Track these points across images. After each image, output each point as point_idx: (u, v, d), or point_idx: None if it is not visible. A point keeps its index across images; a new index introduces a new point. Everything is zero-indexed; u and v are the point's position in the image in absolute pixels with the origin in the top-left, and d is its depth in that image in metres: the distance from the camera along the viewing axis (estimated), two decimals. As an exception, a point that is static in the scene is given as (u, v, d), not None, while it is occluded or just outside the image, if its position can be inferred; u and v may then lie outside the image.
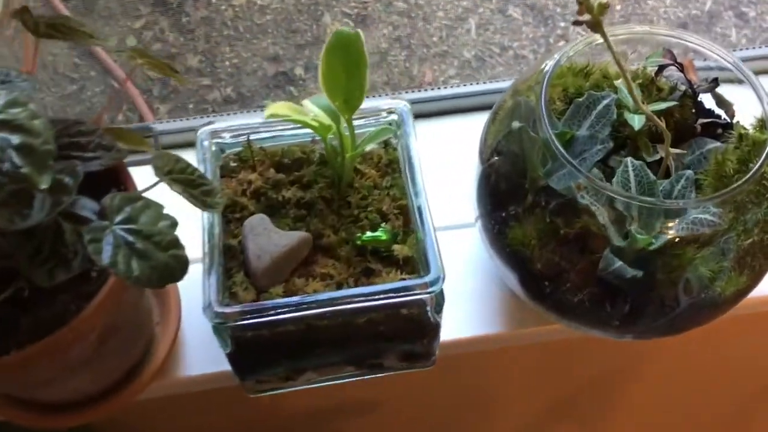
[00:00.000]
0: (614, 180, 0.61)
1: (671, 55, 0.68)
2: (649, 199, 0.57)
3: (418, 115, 0.86)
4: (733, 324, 0.70)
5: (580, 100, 0.67)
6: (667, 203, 0.57)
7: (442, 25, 1.44)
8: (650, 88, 0.70)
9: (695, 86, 0.67)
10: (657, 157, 0.66)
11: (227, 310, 0.57)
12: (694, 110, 0.69)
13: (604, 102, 0.66)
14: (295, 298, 0.58)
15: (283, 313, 0.57)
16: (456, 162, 0.77)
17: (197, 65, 1.34)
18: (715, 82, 0.67)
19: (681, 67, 0.67)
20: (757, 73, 0.92)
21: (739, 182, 0.56)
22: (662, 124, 0.62)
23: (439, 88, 0.87)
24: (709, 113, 0.71)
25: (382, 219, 0.64)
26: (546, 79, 0.61)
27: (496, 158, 0.67)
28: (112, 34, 1.41)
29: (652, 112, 0.67)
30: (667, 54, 0.68)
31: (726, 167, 0.64)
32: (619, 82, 0.68)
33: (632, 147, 0.68)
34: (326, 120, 0.60)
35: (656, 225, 0.58)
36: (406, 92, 0.86)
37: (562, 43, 1.34)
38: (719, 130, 0.70)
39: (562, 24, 1.44)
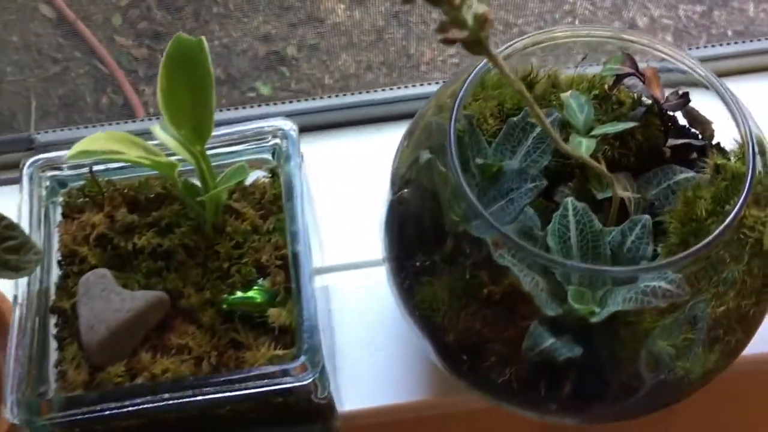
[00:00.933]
0: (549, 227, 0.48)
1: (632, 62, 0.54)
2: (578, 265, 0.44)
3: (341, 124, 0.73)
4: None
5: (515, 120, 0.53)
6: (604, 270, 0.43)
7: (443, 1, 1.32)
8: (608, 100, 0.56)
9: (661, 103, 0.53)
10: (610, 194, 0.53)
11: (37, 403, 0.44)
12: (662, 129, 0.56)
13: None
14: (127, 388, 0.45)
15: (113, 408, 0.44)
16: (381, 181, 0.64)
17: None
18: (686, 97, 0.53)
19: (643, 78, 0.53)
20: (749, 71, 0.79)
21: (705, 241, 0.42)
22: (601, 166, 0.48)
23: (368, 92, 0.73)
24: (682, 132, 0.57)
25: (260, 273, 0.50)
26: (458, 101, 0.47)
27: (406, 190, 0.53)
28: (97, 12, 1.30)
29: (606, 134, 0.53)
30: (627, 61, 0.54)
31: (697, 208, 0.50)
32: (567, 96, 0.55)
33: (581, 179, 0.54)
34: (181, 151, 0.46)
35: (599, 293, 0.45)
36: (322, 98, 0.72)
37: (569, 20, 1.19)
38: (694, 155, 0.56)
39: (571, -1, 1.30)
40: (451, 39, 0.30)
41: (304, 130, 0.70)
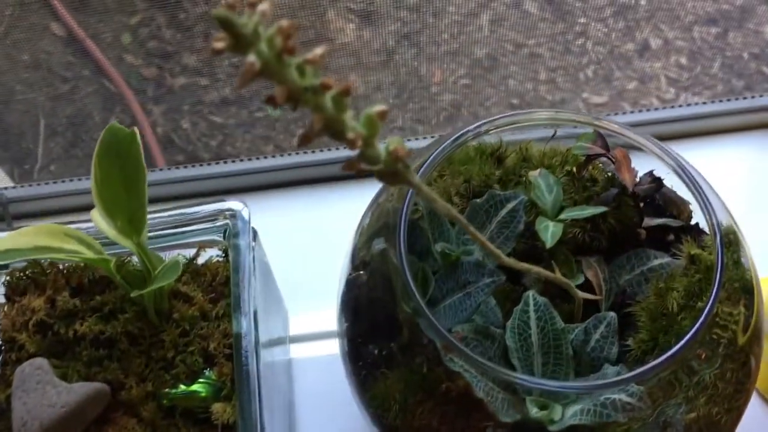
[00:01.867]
0: (509, 324, 0.45)
1: (603, 142, 0.51)
2: (528, 381, 0.40)
3: (304, 182, 0.71)
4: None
5: (479, 201, 0.50)
6: (557, 388, 0.40)
7: (453, 21, 1.30)
8: (581, 178, 0.54)
9: (631, 188, 0.50)
10: (582, 279, 0.50)
11: None
12: (637, 209, 0.53)
13: (509, 206, 0.50)
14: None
15: None
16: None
17: (194, 64, 1.23)
18: (659, 183, 0.50)
19: (613, 160, 0.50)
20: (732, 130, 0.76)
21: (667, 354, 0.39)
22: (555, 275, 0.45)
23: (336, 149, 0.71)
24: (658, 212, 0.54)
25: (207, 363, 0.48)
26: (407, 200, 0.44)
27: (362, 272, 0.51)
28: (107, 30, 1.29)
29: (575, 219, 0.50)
30: (598, 140, 0.51)
31: (668, 301, 0.47)
32: (535, 175, 0.52)
33: (548, 263, 0.51)
34: (120, 240, 0.44)
35: (559, 405, 0.42)
36: (282, 155, 0.70)
37: (581, 41, 1.16)
38: (671, 236, 0.53)
39: (582, 20, 1.27)
40: (363, 170, 0.27)
41: (269, 187, 0.68)
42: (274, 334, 0.54)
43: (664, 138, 0.77)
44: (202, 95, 1.22)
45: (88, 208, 0.44)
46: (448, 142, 0.47)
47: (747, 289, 0.45)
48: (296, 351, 0.62)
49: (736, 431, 0.46)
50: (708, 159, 0.74)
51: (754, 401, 0.58)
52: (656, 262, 0.50)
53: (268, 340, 0.51)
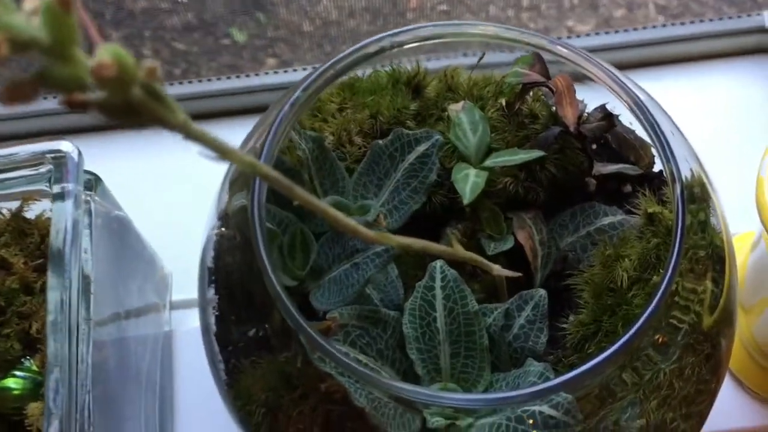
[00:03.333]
0: (408, 304, 0.35)
1: (542, 67, 0.39)
2: (397, 387, 0.29)
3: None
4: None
5: (382, 143, 0.39)
6: (443, 398, 0.30)
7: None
8: (517, 113, 0.42)
9: (572, 127, 0.38)
10: (511, 243, 0.39)
11: None
12: (585, 153, 0.42)
13: (420, 149, 0.39)
14: None
15: None
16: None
17: (156, -14, 1.12)
18: (609, 119, 0.39)
19: (553, 90, 0.39)
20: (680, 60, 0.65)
21: (599, 359, 0.29)
22: (466, 254, 0.35)
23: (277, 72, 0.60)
24: (615, 156, 0.43)
25: (29, 350, 0.37)
26: (271, 136, 0.33)
27: (224, 230, 0.39)
28: None
29: (505, 167, 0.39)
30: (536, 64, 0.40)
31: (617, 273, 0.37)
32: (457, 109, 0.41)
33: (472, 219, 0.41)
34: None
35: (467, 417, 0.32)
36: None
37: None
38: (628, 188, 0.43)
39: None
40: (79, 102, 0.16)
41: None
42: (135, 303, 0.44)
43: (637, 65, 0.65)
44: (164, 20, 1.12)
45: None
46: (327, 64, 0.35)
47: (716, 257, 0.35)
48: (180, 320, 0.51)
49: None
50: (684, 90, 0.63)
51: (727, 383, 0.49)
52: (607, 220, 0.40)
53: (119, 313, 0.41)
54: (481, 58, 0.42)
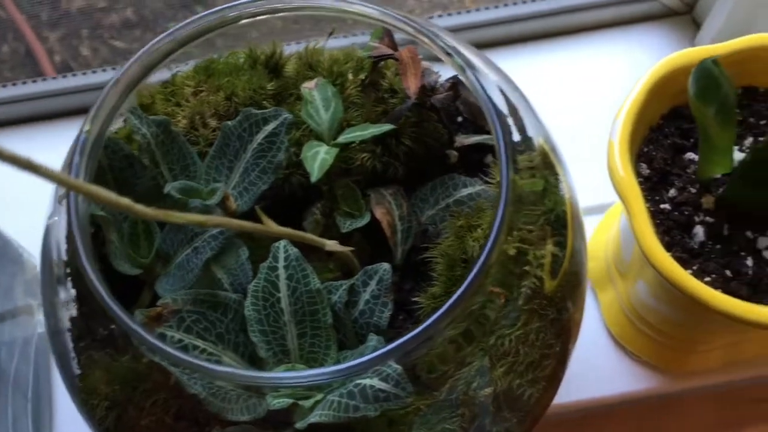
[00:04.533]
0: (251, 286, 0.34)
1: (390, 40, 0.39)
2: (212, 369, 0.29)
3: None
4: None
5: (231, 124, 0.38)
6: (258, 379, 0.29)
7: None
8: (375, 87, 0.42)
9: (413, 97, 0.38)
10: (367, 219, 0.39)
11: None
12: (444, 125, 0.42)
13: (268, 128, 0.38)
14: None
15: None
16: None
17: (92, -18, 1.10)
18: (455, 88, 0.39)
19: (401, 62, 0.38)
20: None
21: (422, 327, 0.28)
22: (295, 232, 0.34)
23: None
24: (481, 127, 0.43)
25: None
26: (88, 136, 0.32)
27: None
28: None
29: (362, 142, 0.39)
30: (385, 36, 0.39)
31: (467, 243, 0.37)
32: (310, 87, 0.40)
33: (330, 198, 0.40)
34: None
35: (318, 394, 0.31)
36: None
37: None
38: (489, 158, 0.42)
39: None
40: None
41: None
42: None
43: (531, 37, 0.65)
44: (102, 18, 1.09)
45: None
46: (156, 40, 0.34)
47: (558, 223, 0.35)
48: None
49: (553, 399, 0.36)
50: (579, 60, 0.63)
51: (608, 346, 0.50)
52: (465, 191, 0.40)
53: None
54: (331, 33, 0.42)
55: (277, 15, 0.38)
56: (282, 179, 0.41)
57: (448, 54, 0.33)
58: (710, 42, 0.61)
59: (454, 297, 0.29)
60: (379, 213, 0.39)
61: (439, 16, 0.67)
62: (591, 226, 0.52)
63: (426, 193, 0.40)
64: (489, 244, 0.29)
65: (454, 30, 0.65)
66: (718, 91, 0.33)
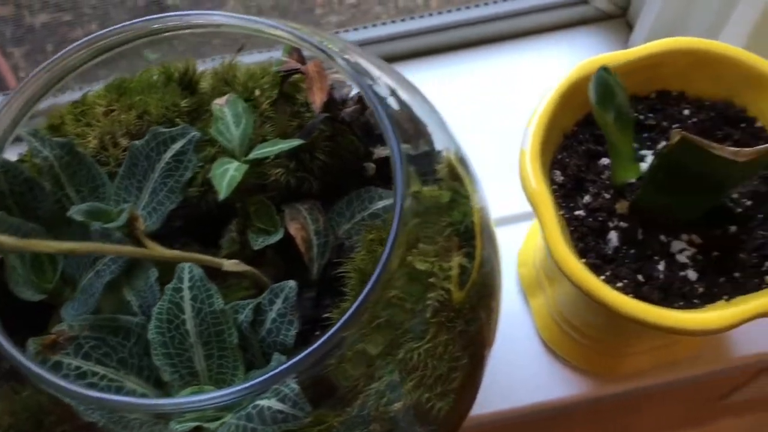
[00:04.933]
0: (155, 309, 0.33)
1: (298, 55, 0.39)
2: (90, 396, 0.28)
3: None
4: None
5: (138, 144, 0.38)
6: (147, 406, 0.29)
7: None
8: (290, 101, 0.42)
9: (320, 111, 0.38)
10: (281, 235, 0.38)
11: None
12: (359, 138, 0.41)
13: (176, 147, 0.37)
14: None
15: None
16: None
17: (56, -1, 1.08)
18: (362, 101, 0.39)
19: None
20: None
21: (317, 344, 0.28)
22: (192, 255, 0.34)
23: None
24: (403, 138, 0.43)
25: None
26: None
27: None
28: None
29: (276, 157, 0.39)
30: (293, 51, 0.39)
31: (378, 257, 0.36)
32: (220, 104, 0.40)
33: (244, 216, 0.40)
34: None
35: (228, 414, 0.31)
36: None
37: None
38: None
39: None
40: None
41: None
42: None
43: (471, 44, 0.65)
44: (66, 33, 1.08)
45: None
46: (47, 63, 0.34)
47: (467, 234, 0.35)
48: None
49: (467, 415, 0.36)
50: (516, 65, 0.63)
51: (540, 352, 0.49)
52: (381, 204, 0.40)
53: None
54: (240, 49, 0.41)
55: (195, 31, 0.38)
56: (198, 197, 0.40)
57: (344, 68, 0.33)
58: (643, 43, 0.62)
59: (347, 314, 0.28)
60: (293, 228, 0.39)
61: (392, 21, 0.67)
62: (522, 234, 0.52)
63: (342, 207, 0.40)
64: (383, 258, 0.29)
65: (410, 36, 0.65)
66: (614, 98, 0.33)
